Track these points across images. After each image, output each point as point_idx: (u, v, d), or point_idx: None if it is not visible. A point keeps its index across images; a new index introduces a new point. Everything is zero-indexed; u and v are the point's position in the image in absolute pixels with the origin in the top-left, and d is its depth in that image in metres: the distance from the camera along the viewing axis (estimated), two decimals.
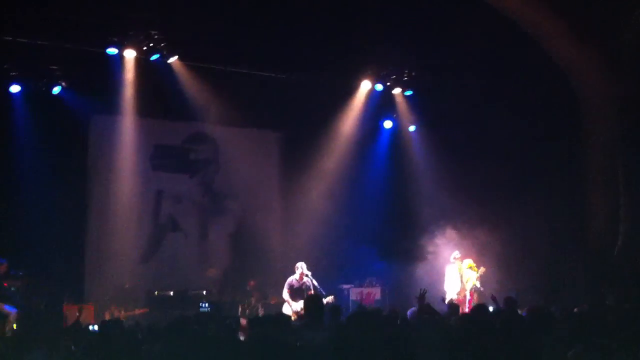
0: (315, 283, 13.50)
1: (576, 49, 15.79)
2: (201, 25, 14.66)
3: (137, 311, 14.25)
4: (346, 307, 12.78)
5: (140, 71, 14.89)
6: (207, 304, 14.17)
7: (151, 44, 14.55)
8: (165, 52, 14.73)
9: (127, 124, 15.67)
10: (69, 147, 15.07)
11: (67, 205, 14.77)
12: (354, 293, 15.97)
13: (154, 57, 14.73)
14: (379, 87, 17.01)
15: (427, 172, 17.17)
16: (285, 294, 13.57)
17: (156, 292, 14.79)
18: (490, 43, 15.53)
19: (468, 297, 13.72)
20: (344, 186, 17.07)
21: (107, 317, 13.84)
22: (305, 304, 10.33)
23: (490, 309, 10.93)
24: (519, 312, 10.11)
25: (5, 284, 12.51)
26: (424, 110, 17.42)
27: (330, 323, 9.06)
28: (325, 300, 12.48)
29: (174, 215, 16.77)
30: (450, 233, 15.33)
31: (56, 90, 14.70)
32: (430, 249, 15.45)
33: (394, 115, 17.75)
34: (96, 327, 10.88)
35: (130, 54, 14.56)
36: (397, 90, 17.25)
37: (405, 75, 16.82)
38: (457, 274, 14.09)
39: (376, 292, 16.25)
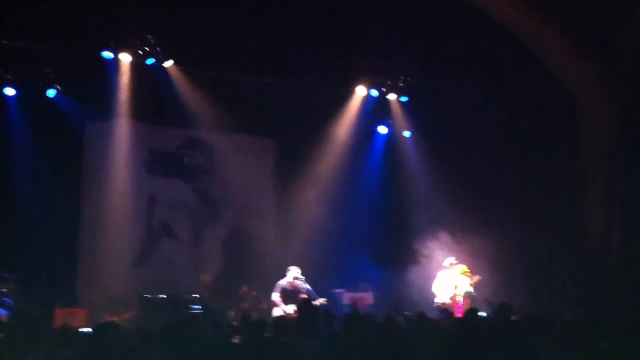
0: (308, 287, 13.46)
1: (572, 55, 15.85)
2: (197, 30, 14.68)
3: (129, 314, 14.17)
4: (339, 312, 12.73)
5: (136, 75, 14.90)
6: (199, 306, 14.13)
7: (147, 48, 14.57)
8: (160, 57, 14.74)
9: (122, 128, 15.64)
10: (63, 150, 14.99)
11: (61, 209, 14.72)
12: (347, 297, 15.93)
13: (150, 61, 14.74)
14: (374, 92, 17.03)
15: (421, 178, 17.17)
16: (276, 297, 13.43)
17: (148, 296, 14.70)
18: (485, 49, 15.60)
19: (461, 302, 13.70)
20: (338, 192, 17.04)
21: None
22: (299, 308, 10.33)
23: (484, 313, 10.97)
24: (513, 317, 10.12)
25: None
26: (419, 116, 17.43)
27: (323, 328, 9.07)
28: (317, 302, 12.48)
29: (167, 221, 16.71)
30: (444, 238, 15.34)
31: (51, 93, 14.63)
32: (424, 253, 15.45)
33: (389, 121, 17.74)
34: (88, 330, 10.86)
35: (125, 58, 14.56)
36: (392, 96, 17.26)
37: (401, 81, 16.85)
38: (451, 279, 14.06)
39: (369, 297, 16.22)
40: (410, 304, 14.73)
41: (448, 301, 13.61)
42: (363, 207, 17.31)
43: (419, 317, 10.05)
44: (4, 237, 13.56)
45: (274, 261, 16.32)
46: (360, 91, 16.98)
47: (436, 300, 13.74)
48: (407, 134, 17.84)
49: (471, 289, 13.79)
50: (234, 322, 11.46)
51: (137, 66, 14.82)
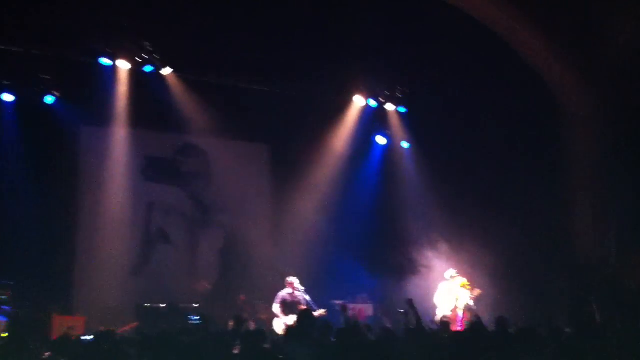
0: (308, 298, 13.49)
1: (560, 63, 15.98)
2: (194, 38, 14.72)
3: (128, 326, 14.14)
4: (337, 324, 12.77)
5: (133, 82, 14.90)
6: (197, 317, 14.12)
7: (145, 56, 14.59)
8: (158, 64, 14.76)
9: (119, 135, 15.63)
10: (59, 157, 15.00)
11: (57, 216, 14.71)
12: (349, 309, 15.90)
13: (148, 68, 14.76)
14: (373, 103, 17.08)
15: (419, 188, 17.18)
16: (277, 308, 13.50)
17: (147, 305, 14.69)
18: (484, 60, 15.68)
19: (460, 315, 13.72)
20: (335, 200, 17.04)
21: None
22: (298, 317, 10.36)
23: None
24: (510, 331, 10.15)
25: None
26: (417, 127, 17.48)
27: (319, 338, 9.09)
28: (317, 313, 12.51)
29: (164, 227, 16.69)
30: (443, 248, 15.37)
31: (50, 100, 14.63)
32: (423, 263, 15.47)
33: (387, 132, 17.78)
34: (88, 338, 10.88)
35: (123, 65, 14.58)
36: (390, 107, 17.31)
37: (399, 91, 16.90)
38: (452, 292, 14.07)
39: (368, 309, 16.24)
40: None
41: (449, 314, 13.60)
42: (360, 216, 17.28)
43: (417, 329, 10.07)
44: (0, 244, 13.54)
45: (269, 268, 16.34)
46: (358, 101, 17.01)
47: (437, 312, 13.74)
48: (405, 144, 17.88)
49: (471, 302, 13.79)
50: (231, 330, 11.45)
51: (135, 73, 14.83)
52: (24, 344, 8.37)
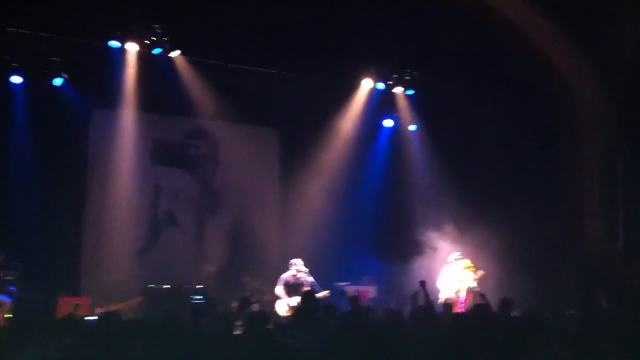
0: (312, 279, 13.52)
1: (574, 54, 15.86)
2: (203, 21, 14.66)
3: (133, 301, 14.20)
4: (341, 305, 12.78)
5: (142, 65, 14.88)
6: (201, 297, 14.19)
7: (153, 38, 14.55)
8: (167, 47, 14.74)
9: (128, 118, 15.66)
10: (68, 140, 15.04)
11: (66, 198, 14.77)
12: (350, 291, 15.91)
13: (156, 51, 14.74)
14: (381, 85, 17.01)
15: (426, 171, 17.17)
16: (280, 290, 13.54)
17: (153, 286, 14.75)
18: (491, 44, 15.58)
19: (463, 297, 13.71)
20: (343, 184, 17.05)
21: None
22: (301, 298, 10.38)
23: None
24: (514, 313, 10.14)
25: (2, 274, 12.53)
26: (425, 110, 17.42)
27: (323, 321, 9.10)
28: (321, 294, 12.53)
29: (172, 211, 16.75)
30: (448, 230, 15.33)
31: (58, 82, 14.63)
32: (428, 245, 15.43)
33: (395, 115, 17.71)
34: (93, 318, 10.92)
35: (132, 48, 14.56)
36: (398, 89, 17.23)
37: (407, 74, 16.82)
38: (455, 274, 14.06)
39: (372, 291, 16.25)
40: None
41: (452, 296, 13.61)
42: (367, 199, 17.31)
43: (421, 311, 10.05)
44: (8, 225, 13.61)
45: (276, 252, 16.42)
46: (367, 84, 16.93)
47: (440, 295, 13.73)
48: (412, 127, 17.82)
49: (474, 284, 13.79)
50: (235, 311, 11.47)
51: (144, 56, 14.80)
52: (28, 325, 8.42)
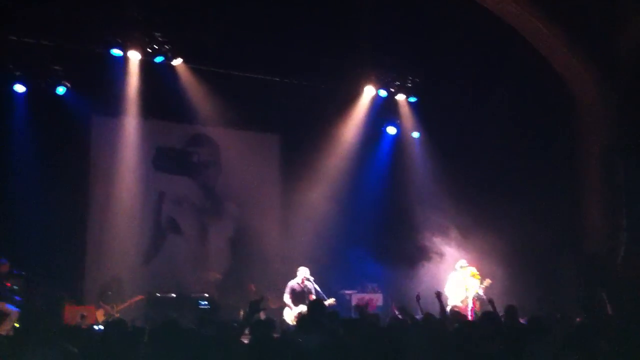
0: (317, 287, 13.56)
1: (574, 55, 15.90)
2: (205, 28, 14.72)
3: (132, 300, 14.22)
4: (347, 313, 12.83)
5: (144, 73, 14.91)
6: (206, 302, 14.22)
7: (155, 46, 14.58)
8: (169, 55, 14.76)
9: (130, 126, 15.68)
10: (71, 147, 15.06)
11: (69, 206, 14.78)
12: (356, 299, 15.93)
13: (158, 59, 14.76)
14: (383, 93, 17.02)
15: (429, 178, 17.17)
16: (287, 298, 13.63)
17: (157, 294, 14.77)
18: (492, 51, 15.64)
19: (470, 305, 13.72)
20: (345, 190, 17.05)
21: (101, 314, 13.82)
22: (308, 308, 10.40)
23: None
24: (520, 320, 10.15)
25: (8, 284, 12.53)
26: (427, 117, 17.44)
27: (327, 327, 9.10)
28: (326, 303, 12.55)
29: (174, 217, 16.78)
30: (453, 236, 15.36)
31: (61, 90, 14.66)
32: (432, 252, 15.47)
33: (397, 122, 17.73)
34: (99, 327, 10.91)
35: (134, 56, 14.59)
36: (400, 97, 17.25)
37: (409, 81, 16.84)
38: (462, 282, 14.06)
39: (378, 299, 16.25)
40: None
41: (459, 304, 13.61)
42: (370, 205, 17.32)
43: (426, 319, 10.05)
44: (12, 234, 13.61)
45: (279, 258, 16.40)
46: (369, 91, 16.95)
47: (448, 302, 13.73)
48: (415, 134, 17.84)
49: (481, 292, 13.79)
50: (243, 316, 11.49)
51: (146, 64, 14.83)
52: (34, 334, 8.41)
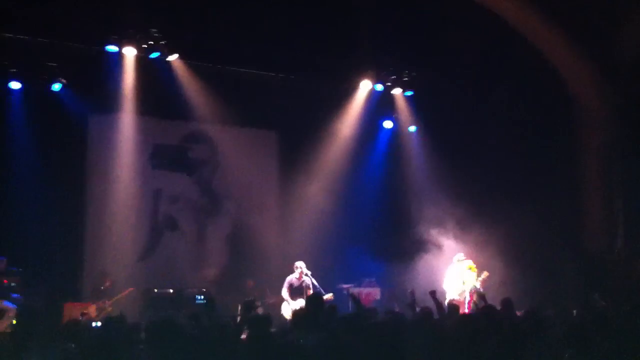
0: (315, 282, 13.57)
1: (574, 54, 15.90)
2: (201, 24, 14.69)
3: (123, 293, 14.20)
4: (345, 308, 12.82)
5: (140, 69, 14.87)
6: (202, 297, 14.22)
7: (151, 42, 14.54)
8: (165, 51, 14.73)
9: (126, 122, 15.64)
10: (67, 144, 15.02)
11: (66, 203, 14.75)
12: (353, 293, 15.90)
13: (154, 55, 14.73)
14: (379, 87, 17.01)
15: (426, 172, 17.18)
16: (285, 293, 13.65)
17: (155, 291, 14.75)
18: (489, 45, 15.64)
19: (467, 298, 13.74)
20: (342, 186, 17.06)
21: (93, 310, 13.76)
22: (306, 302, 10.38)
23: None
24: (517, 313, 10.15)
25: (5, 281, 12.53)
26: (424, 111, 17.43)
27: (326, 323, 9.10)
28: (324, 298, 12.55)
29: (172, 215, 16.75)
30: (450, 231, 15.37)
31: (56, 87, 14.62)
32: (429, 246, 15.48)
33: (394, 116, 17.72)
34: (97, 324, 10.90)
35: (129, 52, 14.55)
36: (397, 91, 17.23)
37: (405, 75, 16.83)
38: (459, 275, 14.08)
39: (375, 293, 16.27)
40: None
41: (457, 297, 13.63)
42: (367, 201, 17.33)
43: (423, 313, 10.04)
44: (9, 231, 13.59)
45: (277, 254, 16.40)
46: (365, 85, 16.94)
47: (446, 296, 13.74)
48: (412, 129, 17.83)
49: (478, 285, 13.80)
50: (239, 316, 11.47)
51: (141, 60, 14.80)
52: (32, 331, 8.40)
